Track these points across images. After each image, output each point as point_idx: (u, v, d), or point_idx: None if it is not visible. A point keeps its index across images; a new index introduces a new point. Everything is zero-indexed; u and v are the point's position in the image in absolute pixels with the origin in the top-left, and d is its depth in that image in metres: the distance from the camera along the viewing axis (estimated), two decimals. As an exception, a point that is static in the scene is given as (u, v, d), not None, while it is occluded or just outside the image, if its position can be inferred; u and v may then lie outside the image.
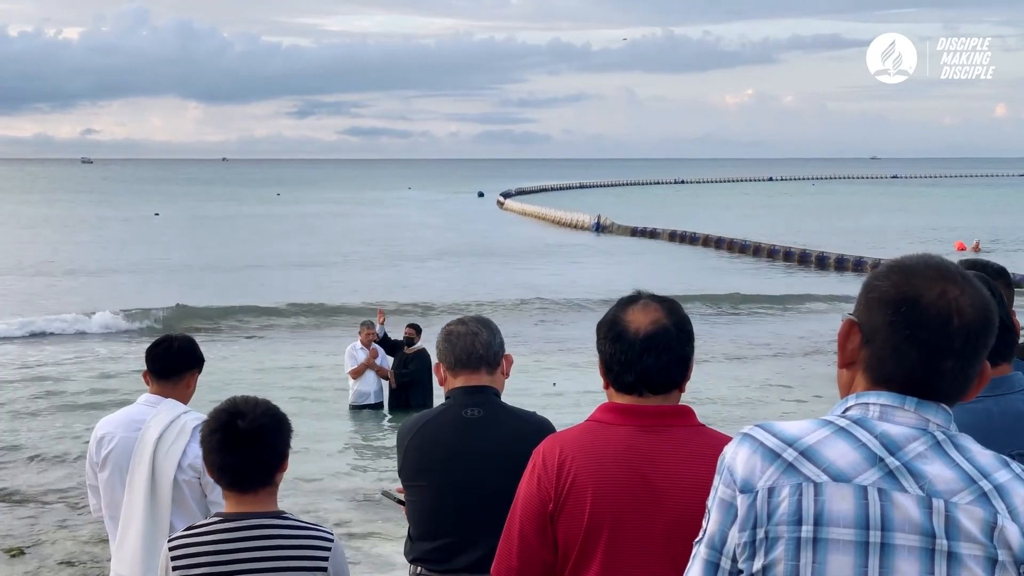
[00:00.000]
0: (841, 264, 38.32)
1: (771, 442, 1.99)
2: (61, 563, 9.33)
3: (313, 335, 23.03)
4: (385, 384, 15.49)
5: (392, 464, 13.08)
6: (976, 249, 43.54)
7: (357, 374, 15.20)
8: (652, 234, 52.24)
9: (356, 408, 15.44)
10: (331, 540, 3.37)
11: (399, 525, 10.66)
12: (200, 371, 4.97)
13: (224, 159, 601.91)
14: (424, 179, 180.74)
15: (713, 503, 2.06)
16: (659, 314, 2.93)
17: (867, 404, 2.00)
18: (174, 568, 3.27)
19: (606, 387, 3.00)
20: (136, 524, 4.67)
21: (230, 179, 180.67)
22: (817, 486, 1.93)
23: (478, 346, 3.87)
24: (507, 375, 4.00)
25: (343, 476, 12.56)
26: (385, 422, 15.24)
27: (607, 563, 2.83)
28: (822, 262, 39.27)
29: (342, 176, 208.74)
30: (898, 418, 1.97)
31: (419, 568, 3.88)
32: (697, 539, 2.10)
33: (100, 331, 23.10)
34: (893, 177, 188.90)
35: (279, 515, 3.35)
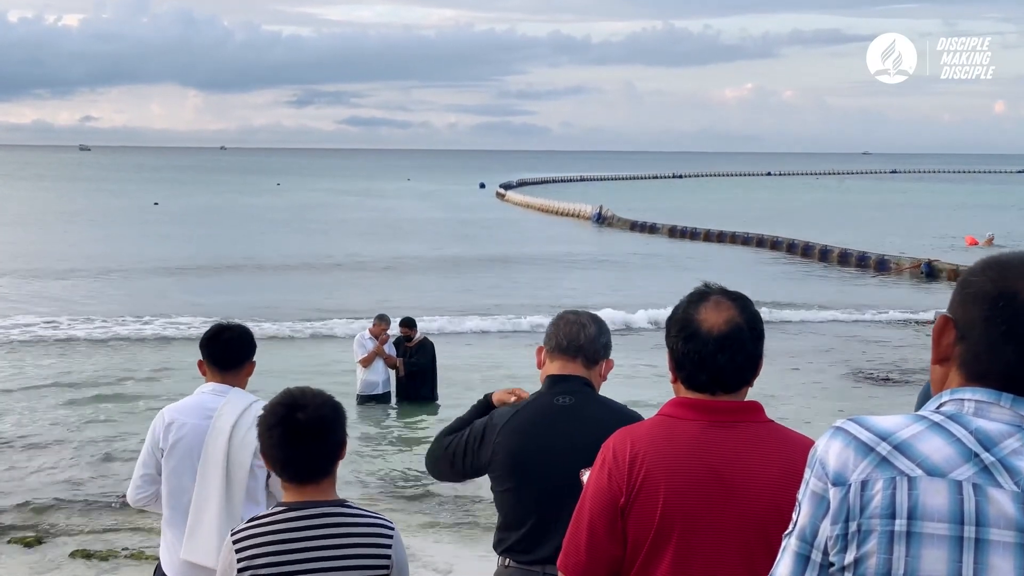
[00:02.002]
0: (845, 258, 38.29)
1: (864, 436, 1.99)
2: (75, 552, 9.33)
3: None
4: (392, 374, 15.48)
5: (400, 457, 13.15)
6: (989, 243, 43.22)
7: (367, 362, 15.16)
8: (652, 229, 52.16)
9: (364, 398, 15.41)
10: (393, 528, 3.38)
11: (413, 516, 10.68)
12: (254, 357, 4.99)
13: (223, 148, 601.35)
14: (423, 170, 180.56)
15: (804, 495, 2.05)
16: (732, 312, 2.90)
17: (962, 400, 2.00)
18: (239, 559, 3.25)
19: (674, 381, 2.98)
20: (211, 512, 4.66)
21: (230, 168, 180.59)
22: (911, 480, 1.92)
23: (582, 336, 3.89)
24: (604, 378, 3.99)
25: (355, 468, 12.54)
26: (393, 412, 15.24)
27: (679, 559, 2.81)
28: (825, 255, 39.26)
29: (341, 166, 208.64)
30: (993, 414, 1.96)
31: (507, 560, 3.89)
32: (787, 532, 2.10)
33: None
34: (892, 172, 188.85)
35: (342, 503, 3.35)
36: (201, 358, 4.95)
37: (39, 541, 9.62)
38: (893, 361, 19.39)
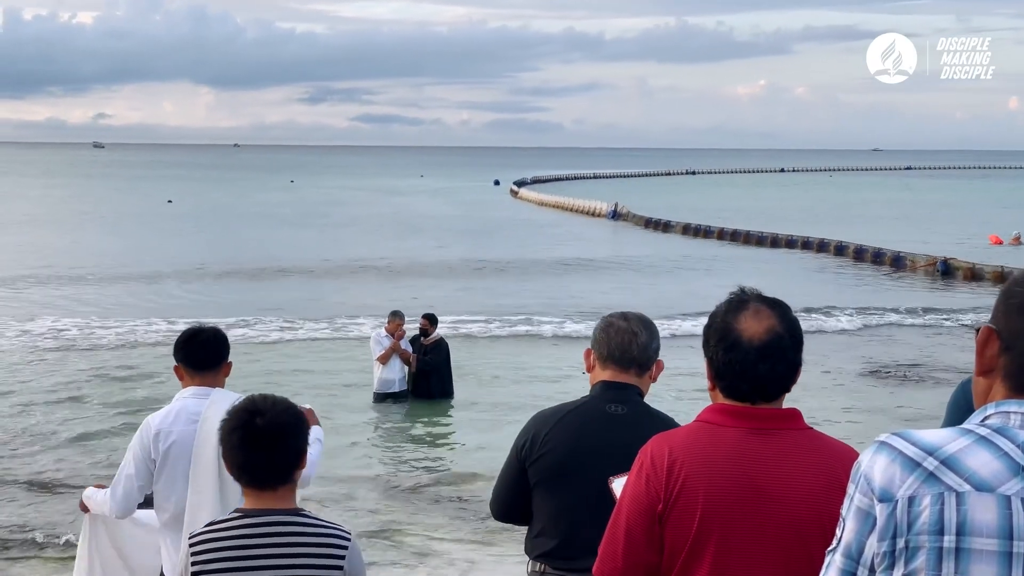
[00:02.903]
0: (860, 255, 38.13)
1: (911, 451, 1.96)
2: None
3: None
4: (406, 371, 15.52)
5: (418, 457, 13.14)
6: (1016, 242, 42.64)
7: (385, 359, 15.21)
8: (666, 226, 52.06)
9: (380, 396, 15.43)
10: (348, 539, 3.38)
11: (431, 516, 10.66)
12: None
13: (236, 145, 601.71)
14: (436, 167, 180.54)
15: (848, 512, 2.03)
16: (773, 321, 2.87)
17: (1008, 412, 1.97)
18: (193, 563, 3.29)
19: (712, 389, 2.96)
20: (205, 517, 4.64)
21: (243, 165, 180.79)
22: (959, 495, 1.90)
23: (634, 347, 3.83)
24: (655, 380, 3.95)
25: (373, 466, 12.55)
26: (409, 410, 15.24)
27: (717, 567, 2.79)
28: (841, 251, 39.09)
29: (354, 163, 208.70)
30: None
31: (542, 565, 3.85)
32: (831, 548, 2.08)
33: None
34: (907, 168, 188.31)
35: (298, 512, 3.36)
36: (176, 363, 4.94)
37: (63, 543, 9.63)
38: (912, 359, 19.32)
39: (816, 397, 15.82)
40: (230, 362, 5.01)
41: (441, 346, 15.45)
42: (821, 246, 40.68)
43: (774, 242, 43.38)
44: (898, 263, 35.80)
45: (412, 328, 15.72)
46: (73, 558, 8.71)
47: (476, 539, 9.88)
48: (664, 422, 3.79)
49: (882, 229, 48.17)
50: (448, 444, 14.00)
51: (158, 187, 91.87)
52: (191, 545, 3.31)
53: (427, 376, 15.31)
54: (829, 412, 14.73)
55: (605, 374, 3.86)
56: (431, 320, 15.54)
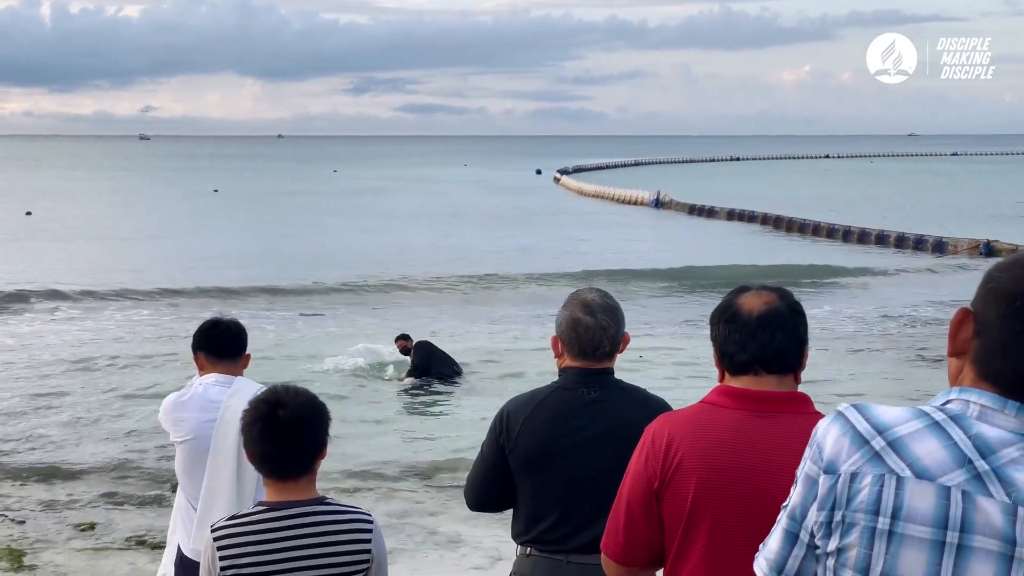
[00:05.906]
0: (901, 242, 37.87)
1: (862, 427, 1.98)
2: (130, 538, 9.47)
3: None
4: None
5: (444, 444, 13.14)
6: None
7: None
8: (710, 212, 51.93)
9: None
10: (372, 521, 3.41)
11: (462, 504, 10.65)
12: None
13: (280, 136, 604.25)
14: (479, 156, 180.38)
15: (800, 475, 2.08)
16: (772, 296, 2.96)
17: (968, 401, 1.96)
18: (221, 558, 3.31)
19: (721, 378, 3.00)
20: (221, 504, 4.65)
21: (287, 156, 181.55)
22: (899, 480, 1.91)
23: (605, 342, 3.79)
24: (622, 352, 3.93)
25: (403, 453, 12.60)
26: (439, 396, 15.36)
27: (711, 547, 2.83)
28: (882, 239, 38.80)
29: (398, 153, 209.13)
30: (997, 421, 1.92)
31: (529, 549, 3.87)
32: (784, 504, 2.14)
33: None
34: (952, 155, 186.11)
35: (321, 501, 3.39)
36: (196, 353, 4.97)
37: (93, 527, 9.77)
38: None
39: (854, 380, 15.81)
40: (249, 354, 5.04)
41: (421, 346, 16.33)
42: (862, 236, 40.19)
43: (815, 230, 42.96)
44: (940, 248, 35.54)
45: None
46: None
47: (504, 526, 9.91)
48: (636, 397, 3.81)
49: (930, 216, 47.72)
50: (482, 431, 14.02)
51: (204, 178, 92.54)
52: (216, 539, 3.32)
53: (427, 371, 16.04)
54: (866, 395, 14.67)
55: (575, 363, 3.83)
56: (406, 338, 16.60)
